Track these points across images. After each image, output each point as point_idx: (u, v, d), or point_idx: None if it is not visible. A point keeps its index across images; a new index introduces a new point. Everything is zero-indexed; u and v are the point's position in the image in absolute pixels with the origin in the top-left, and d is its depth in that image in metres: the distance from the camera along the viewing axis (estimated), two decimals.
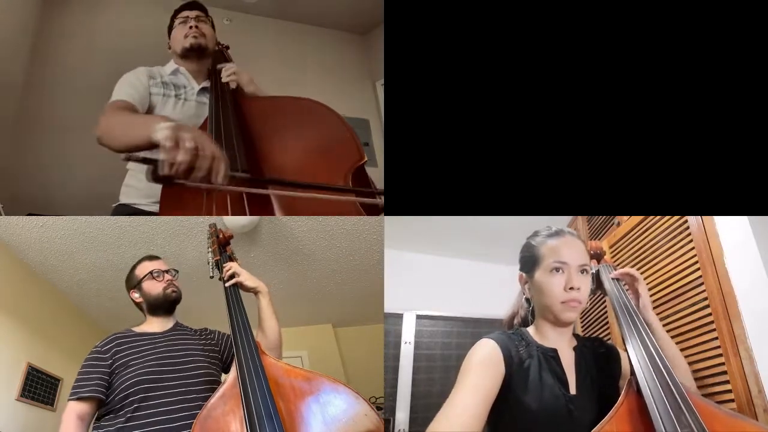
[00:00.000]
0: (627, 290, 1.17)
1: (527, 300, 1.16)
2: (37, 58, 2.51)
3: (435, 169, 1.31)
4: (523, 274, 1.16)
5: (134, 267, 1.52)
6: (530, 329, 1.13)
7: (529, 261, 1.13)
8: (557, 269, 1.07)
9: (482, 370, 0.99)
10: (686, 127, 1.26)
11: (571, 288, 1.05)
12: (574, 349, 1.11)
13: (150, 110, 1.69)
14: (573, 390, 1.03)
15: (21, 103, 2.40)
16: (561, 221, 2.30)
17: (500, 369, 1.00)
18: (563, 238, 1.11)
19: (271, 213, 1.39)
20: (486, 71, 1.31)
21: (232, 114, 1.53)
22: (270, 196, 1.38)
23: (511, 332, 1.11)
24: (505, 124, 1.30)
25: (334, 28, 3.58)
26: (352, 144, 1.43)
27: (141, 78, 1.70)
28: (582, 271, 1.07)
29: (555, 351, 1.07)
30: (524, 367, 1.01)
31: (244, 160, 1.37)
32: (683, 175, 1.26)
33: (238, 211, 1.34)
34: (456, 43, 1.31)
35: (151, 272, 1.47)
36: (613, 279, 1.20)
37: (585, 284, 1.07)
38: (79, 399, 1.23)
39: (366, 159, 1.41)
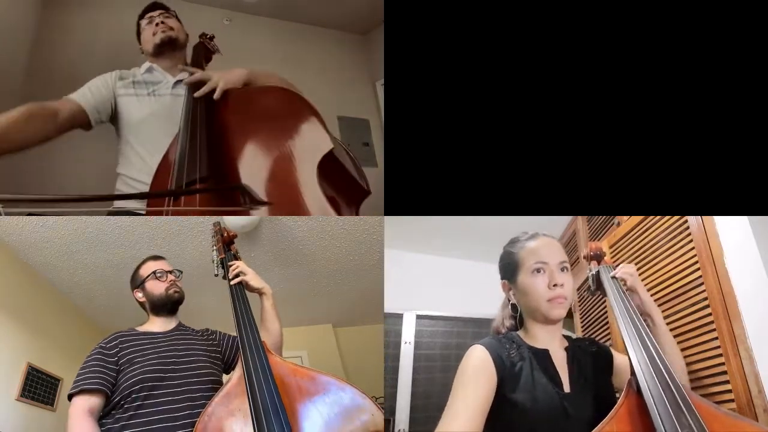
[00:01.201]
0: (627, 290, 1.17)
1: (513, 306, 1.16)
2: (37, 57, 2.51)
3: (435, 169, 1.32)
4: (506, 282, 1.17)
5: (138, 267, 1.52)
6: (520, 333, 1.14)
7: (509, 267, 1.15)
8: (538, 270, 1.09)
9: (475, 381, 1.00)
10: (686, 126, 1.26)
11: (555, 285, 1.07)
12: (566, 349, 1.12)
13: (121, 112, 1.70)
14: (567, 388, 1.03)
15: (21, 102, 2.39)
16: (561, 221, 2.30)
17: (492, 376, 1.01)
18: (540, 240, 1.14)
19: (244, 213, 1.40)
20: (486, 71, 1.31)
21: (203, 117, 1.52)
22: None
23: (501, 336, 1.12)
24: (505, 124, 1.31)
25: (334, 28, 3.58)
26: (317, 133, 1.43)
27: (108, 81, 1.72)
28: (562, 269, 1.10)
29: (546, 351, 1.08)
30: (516, 369, 1.02)
31: (204, 166, 1.39)
32: (683, 175, 1.26)
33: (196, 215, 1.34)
34: (456, 43, 1.32)
35: (154, 272, 1.47)
36: (612, 278, 1.20)
37: (567, 281, 1.09)
38: (85, 392, 1.21)
39: (333, 147, 1.41)
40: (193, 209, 1.33)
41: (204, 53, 1.87)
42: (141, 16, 1.86)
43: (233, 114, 1.56)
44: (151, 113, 1.69)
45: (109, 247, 2.26)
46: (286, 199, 1.36)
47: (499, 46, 1.31)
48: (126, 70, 1.79)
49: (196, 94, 1.60)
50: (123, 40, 2.65)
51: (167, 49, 1.78)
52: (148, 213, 1.46)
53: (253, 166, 1.43)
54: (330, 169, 1.39)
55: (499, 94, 1.31)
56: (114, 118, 1.72)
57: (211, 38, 1.94)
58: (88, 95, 1.66)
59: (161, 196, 1.41)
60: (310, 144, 1.41)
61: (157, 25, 1.78)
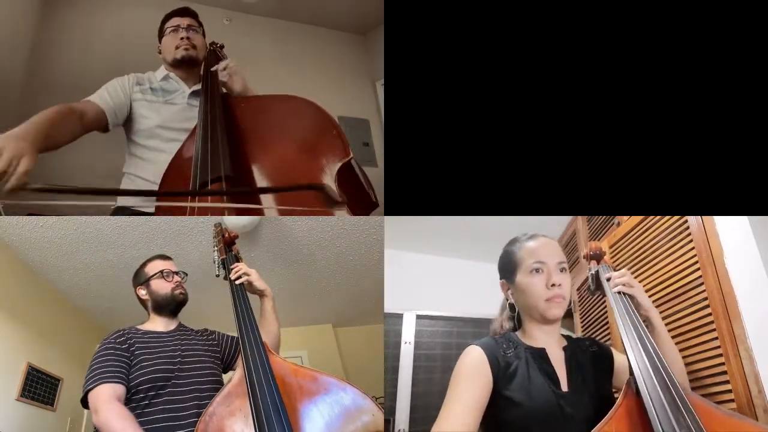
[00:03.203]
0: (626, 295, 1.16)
1: (511, 306, 1.17)
2: (37, 58, 2.51)
3: (435, 168, 1.32)
4: (505, 282, 1.18)
5: (144, 264, 1.51)
6: (518, 333, 1.14)
7: (508, 267, 1.16)
8: (537, 269, 1.10)
9: (469, 381, 1.01)
10: (686, 126, 1.27)
11: (553, 285, 1.08)
12: (564, 348, 1.12)
13: (135, 116, 1.72)
14: (564, 387, 1.04)
15: (21, 102, 2.39)
16: (561, 221, 2.31)
17: (487, 377, 1.01)
18: (538, 240, 1.15)
19: (257, 213, 1.41)
20: (486, 71, 1.31)
21: (221, 118, 1.55)
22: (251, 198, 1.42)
23: (498, 337, 1.13)
24: (505, 124, 1.31)
25: (334, 28, 3.58)
26: (337, 141, 1.44)
27: (125, 85, 1.73)
28: (561, 269, 1.10)
29: (543, 350, 1.08)
30: (511, 369, 1.03)
31: (228, 165, 1.40)
32: (683, 175, 1.26)
33: (219, 213, 1.38)
34: (456, 43, 1.32)
35: (161, 271, 1.47)
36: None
37: (565, 281, 1.10)
38: (107, 383, 1.19)
39: (351, 156, 1.42)
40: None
41: (215, 61, 1.89)
42: (168, 18, 1.85)
43: (252, 119, 1.59)
44: (164, 120, 1.71)
45: (109, 247, 2.26)
46: (315, 205, 1.37)
47: (499, 46, 1.31)
48: (141, 73, 1.81)
49: (221, 76, 1.71)
50: (124, 40, 2.66)
51: (185, 65, 1.81)
52: (162, 212, 1.48)
53: (276, 170, 1.45)
54: (346, 178, 1.41)
55: (500, 94, 1.31)
56: (127, 121, 1.74)
57: (221, 47, 1.96)
58: (107, 99, 1.67)
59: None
60: (331, 152, 1.43)
61: (182, 39, 1.79)
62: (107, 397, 1.17)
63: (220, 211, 1.40)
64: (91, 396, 1.19)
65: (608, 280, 1.18)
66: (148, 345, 1.32)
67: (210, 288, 1.91)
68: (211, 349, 1.43)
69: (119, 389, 1.19)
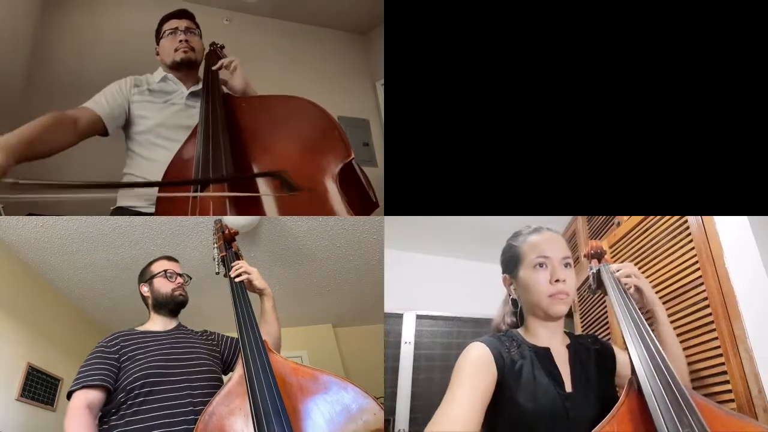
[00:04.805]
0: (630, 289, 1.16)
1: (514, 302, 1.15)
2: (37, 58, 2.51)
3: (435, 168, 1.32)
4: (507, 276, 1.16)
5: (151, 262, 1.55)
6: (521, 330, 1.12)
7: (511, 261, 1.13)
8: (541, 264, 1.07)
9: (473, 376, 0.98)
10: (686, 126, 1.27)
11: (557, 280, 1.05)
12: (568, 347, 1.10)
13: (134, 117, 1.73)
14: (569, 388, 1.02)
15: (21, 103, 2.39)
16: (561, 221, 2.30)
17: (492, 372, 0.99)
18: (543, 234, 1.12)
19: (258, 213, 1.43)
20: (486, 71, 1.31)
21: (222, 118, 1.55)
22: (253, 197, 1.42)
23: (501, 334, 1.10)
24: (505, 124, 1.31)
25: (334, 28, 3.58)
26: (339, 142, 1.45)
27: (123, 88, 1.74)
28: (565, 264, 1.08)
29: (547, 350, 1.06)
30: (516, 368, 1.01)
31: (230, 164, 1.41)
32: (683, 175, 1.26)
33: (221, 212, 1.38)
34: (456, 43, 1.32)
35: (165, 270, 1.50)
36: (612, 276, 1.20)
37: (570, 276, 1.07)
38: (86, 387, 1.21)
39: (353, 156, 1.43)
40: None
41: (216, 62, 1.89)
42: (165, 20, 1.86)
43: (254, 119, 1.60)
44: (163, 120, 1.72)
45: (109, 247, 2.26)
46: (316, 204, 1.39)
47: (499, 46, 1.31)
48: (139, 76, 1.81)
49: (214, 67, 1.74)
50: (124, 41, 2.66)
51: (184, 68, 1.81)
52: (162, 211, 1.50)
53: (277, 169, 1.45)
54: (347, 179, 1.42)
55: (499, 93, 1.31)
56: (125, 123, 1.74)
57: (222, 47, 1.97)
58: (104, 104, 1.68)
59: (189, 184, 1.42)
60: (333, 153, 1.43)
61: (181, 41, 1.80)
62: (77, 404, 1.19)
63: (221, 210, 1.41)
64: (71, 398, 1.22)
65: (613, 273, 1.17)
66: (144, 344, 1.34)
67: (210, 288, 1.91)
68: (210, 349, 1.43)
69: (94, 395, 1.21)
